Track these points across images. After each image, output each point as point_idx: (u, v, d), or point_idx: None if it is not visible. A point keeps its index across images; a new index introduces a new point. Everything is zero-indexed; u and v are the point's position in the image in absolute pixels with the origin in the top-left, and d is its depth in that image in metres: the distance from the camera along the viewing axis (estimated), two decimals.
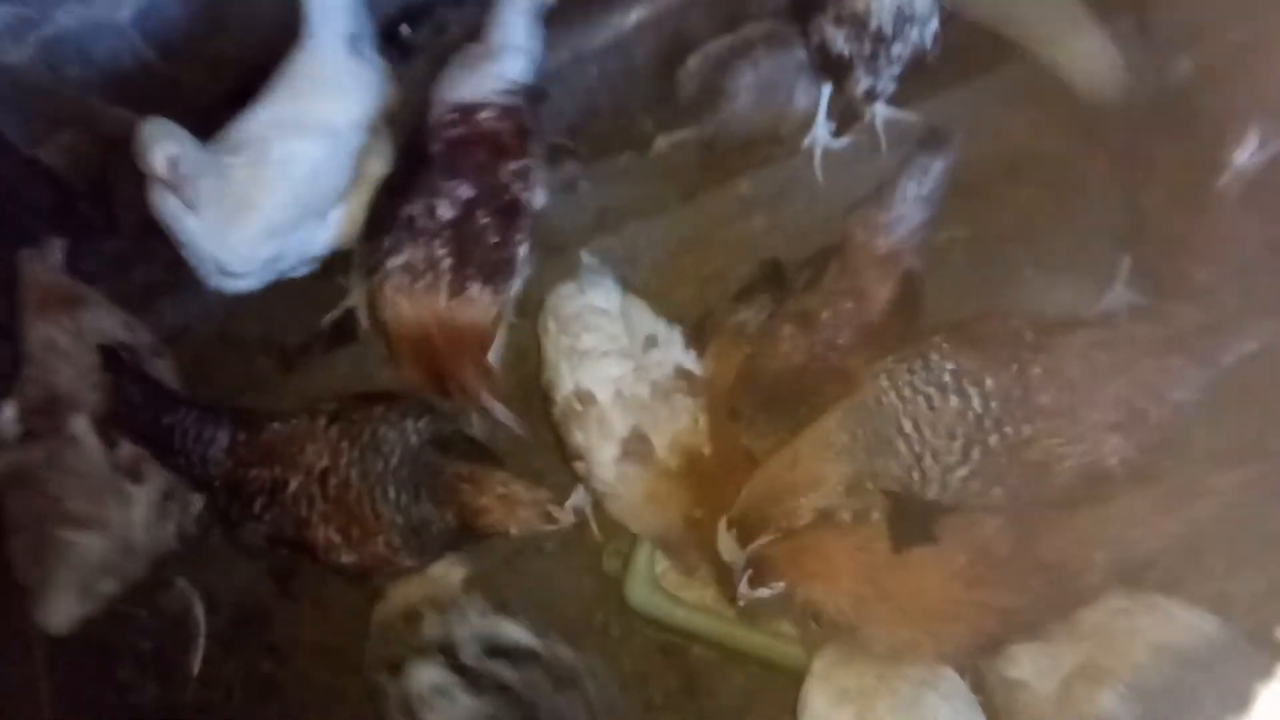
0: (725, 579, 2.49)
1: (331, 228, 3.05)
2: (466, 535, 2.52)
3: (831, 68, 2.93)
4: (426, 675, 2.40)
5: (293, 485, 2.52)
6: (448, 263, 2.69)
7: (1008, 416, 2.28)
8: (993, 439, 2.27)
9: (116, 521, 2.79)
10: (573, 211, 3.36)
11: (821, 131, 3.17)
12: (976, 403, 2.29)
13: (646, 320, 2.78)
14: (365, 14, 3.02)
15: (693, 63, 3.41)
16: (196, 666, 3.02)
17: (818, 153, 3.17)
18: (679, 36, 3.47)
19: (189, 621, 3.04)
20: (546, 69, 3.44)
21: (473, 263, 2.72)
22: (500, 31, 2.82)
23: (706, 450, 2.60)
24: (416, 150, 2.83)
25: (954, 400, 2.29)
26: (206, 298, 3.13)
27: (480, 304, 2.74)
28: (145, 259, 3.31)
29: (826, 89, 3.10)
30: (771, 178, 3.26)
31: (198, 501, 2.99)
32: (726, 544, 2.44)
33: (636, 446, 2.56)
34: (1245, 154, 2.33)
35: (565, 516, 2.44)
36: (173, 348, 3.20)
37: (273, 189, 2.80)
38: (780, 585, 2.27)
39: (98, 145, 3.47)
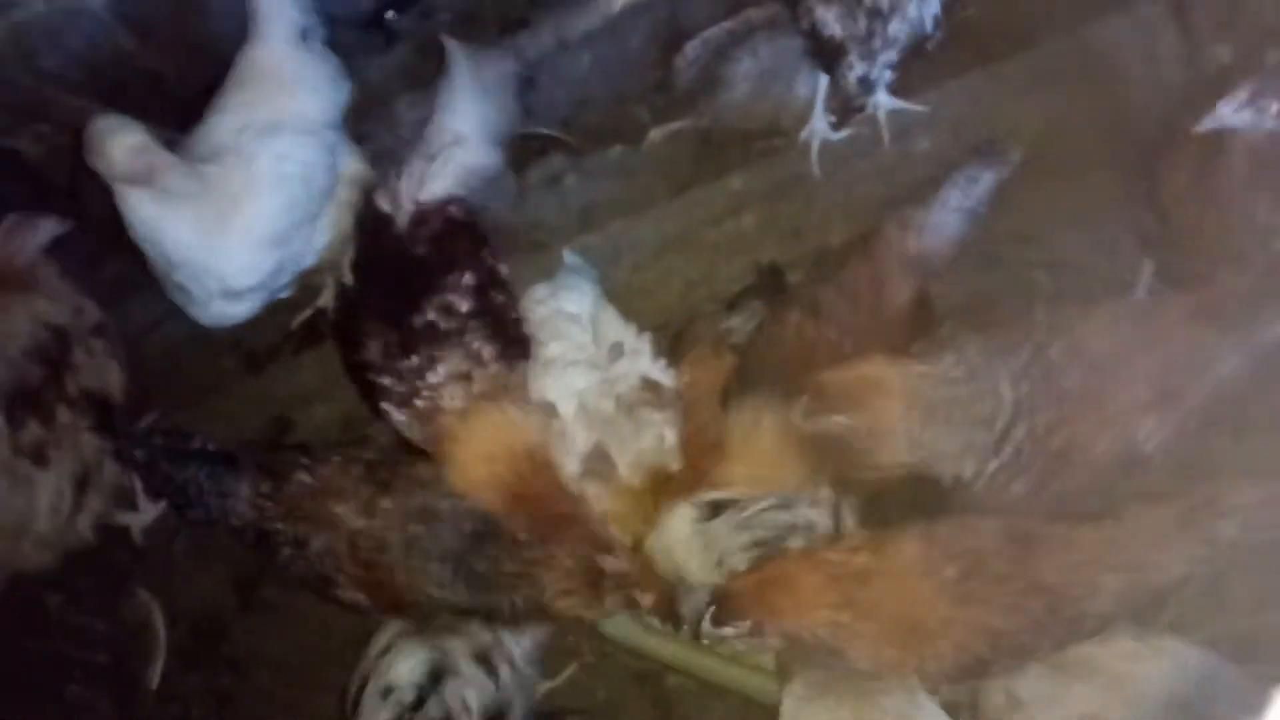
0: (671, 612, 2.35)
1: (324, 232, 2.91)
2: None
3: (823, 53, 2.73)
4: (407, 672, 2.36)
5: (317, 544, 2.39)
6: (489, 351, 2.44)
7: (1032, 402, 2.13)
8: (1019, 429, 2.12)
9: (9, 507, 2.62)
10: (557, 207, 3.20)
11: (819, 123, 2.96)
12: (1005, 386, 2.13)
13: (614, 327, 2.63)
14: (312, 7, 2.92)
15: (690, 49, 3.23)
16: (155, 680, 2.91)
17: (815, 146, 2.96)
18: (676, 21, 3.30)
19: (149, 634, 2.93)
20: (533, 57, 3.31)
21: (511, 341, 2.50)
22: (455, 120, 2.67)
23: (672, 468, 2.45)
24: (393, 260, 2.57)
25: (985, 383, 2.15)
26: None
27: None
28: (116, 254, 3.20)
29: (824, 78, 2.89)
30: (766, 173, 3.06)
31: (152, 511, 2.89)
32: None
33: (597, 465, 2.41)
34: (1230, 106, 2.17)
35: (647, 600, 2.29)
36: (140, 345, 3.10)
37: (271, 194, 2.68)
38: (746, 624, 2.10)
39: (72, 137, 3.38)
